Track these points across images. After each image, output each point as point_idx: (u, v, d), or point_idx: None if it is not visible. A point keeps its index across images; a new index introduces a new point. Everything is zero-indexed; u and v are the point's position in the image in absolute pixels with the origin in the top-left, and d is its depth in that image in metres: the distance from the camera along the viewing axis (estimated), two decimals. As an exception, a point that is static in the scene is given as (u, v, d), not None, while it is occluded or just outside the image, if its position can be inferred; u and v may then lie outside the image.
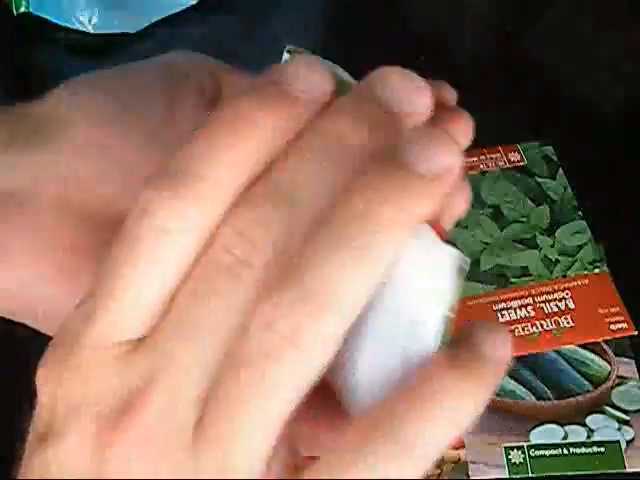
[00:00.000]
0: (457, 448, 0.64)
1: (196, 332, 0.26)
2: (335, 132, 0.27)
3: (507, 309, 0.70)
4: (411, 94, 0.28)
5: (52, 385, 0.27)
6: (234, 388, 0.26)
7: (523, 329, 0.69)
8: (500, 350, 0.27)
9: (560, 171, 0.77)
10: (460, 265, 0.28)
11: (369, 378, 0.28)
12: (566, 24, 0.86)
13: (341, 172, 0.27)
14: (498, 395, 0.66)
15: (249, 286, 0.26)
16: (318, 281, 0.26)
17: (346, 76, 0.31)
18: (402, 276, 0.27)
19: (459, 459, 0.63)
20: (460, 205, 0.34)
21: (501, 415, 0.65)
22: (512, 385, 0.66)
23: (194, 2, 0.84)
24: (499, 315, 0.70)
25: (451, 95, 0.34)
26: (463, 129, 0.33)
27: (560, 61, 0.83)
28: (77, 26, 0.83)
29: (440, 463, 0.64)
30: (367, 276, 0.26)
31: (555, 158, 0.78)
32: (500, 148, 0.78)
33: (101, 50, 0.83)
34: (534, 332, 0.69)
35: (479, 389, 0.27)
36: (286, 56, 0.32)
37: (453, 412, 0.27)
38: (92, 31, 0.83)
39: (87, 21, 0.83)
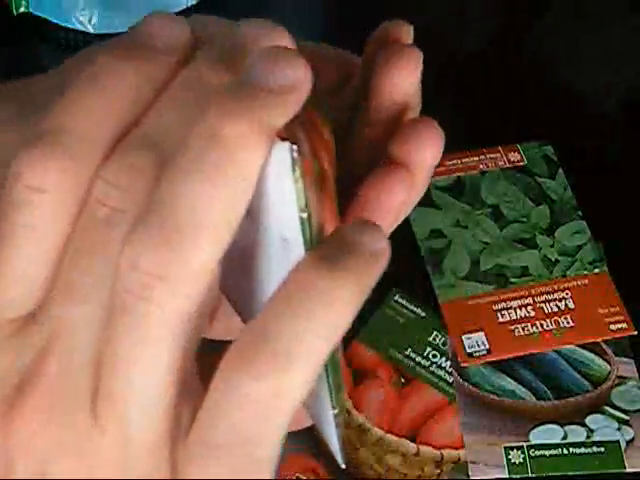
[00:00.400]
0: (457, 448, 0.63)
1: (80, 292, 0.25)
2: (195, 76, 0.27)
3: (507, 309, 0.69)
4: (263, 37, 0.28)
5: None
6: (116, 341, 0.25)
7: (523, 329, 0.68)
8: (372, 242, 0.26)
9: (560, 171, 0.77)
10: (292, 157, 0.26)
11: (260, 294, 0.28)
12: (566, 24, 0.86)
13: (201, 109, 0.26)
14: (498, 395, 0.66)
15: (122, 233, 0.25)
16: (178, 208, 0.24)
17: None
18: (264, 190, 0.26)
19: (459, 459, 0.63)
20: (431, 152, 0.32)
21: (501, 415, 0.65)
22: (512, 385, 0.66)
23: (194, 2, 0.84)
24: (499, 315, 0.69)
25: (405, 32, 0.34)
26: (412, 65, 0.32)
27: (560, 61, 0.83)
28: (77, 26, 0.82)
29: (440, 463, 0.63)
30: (229, 194, 0.25)
31: (555, 158, 0.78)
32: (500, 148, 0.78)
33: None
34: (534, 332, 0.68)
35: (350, 281, 0.25)
36: None
37: (326, 306, 0.25)
38: (92, 31, 0.82)
39: (87, 21, 0.82)
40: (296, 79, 0.26)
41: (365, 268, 0.25)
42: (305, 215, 0.26)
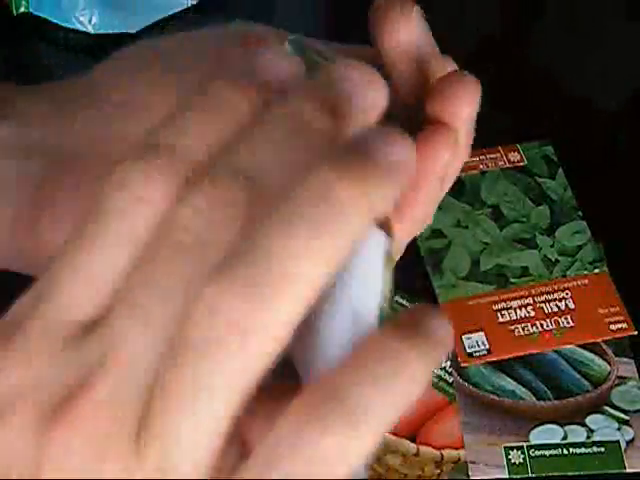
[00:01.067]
0: (457, 448, 0.63)
1: (146, 314, 0.25)
2: (297, 115, 0.27)
3: (507, 309, 0.69)
4: (367, 90, 0.28)
5: None
6: (174, 380, 0.24)
7: (523, 329, 0.68)
8: (440, 330, 0.26)
9: (560, 171, 0.77)
10: (387, 249, 0.27)
11: (324, 360, 0.27)
12: (566, 24, 0.86)
13: (302, 153, 0.26)
14: (498, 395, 0.66)
15: (204, 266, 0.24)
16: (274, 257, 0.24)
17: (329, 53, 0.31)
18: (349, 266, 0.27)
19: (459, 459, 0.63)
20: (468, 103, 0.33)
21: (501, 415, 0.65)
22: (512, 385, 0.66)
23: (194, 2, 0.84)
24: (499, 315, 0.69)
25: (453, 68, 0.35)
26: (469, 95, 0.33)
27: (560, 61, 0.83)
28: (77, 26, 0.82)
29: (440, 463, 0.63)
30: (330, 252, 0.24)
31: (555, 158, 0.78)
32: (500, 148, 0.78)
33: (101, 50, 0.79)
34: (534, 332, 0.68)
35: (425, 356, 0.25)
36: (288, 48, 0.32)
37: (403, 378, 0.25)
38: (92, 31, 0.82)
39: (87, 21, 0.82)
40: (407, 160, 0.26)
41: (436, 347, 0.26)
42: (385, 302, 0.27)
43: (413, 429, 0.64)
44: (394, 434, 0.64)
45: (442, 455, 0.63)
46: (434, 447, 0.64)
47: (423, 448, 0.64)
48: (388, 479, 0.63)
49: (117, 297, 0.25)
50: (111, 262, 0.25)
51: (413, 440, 0.64)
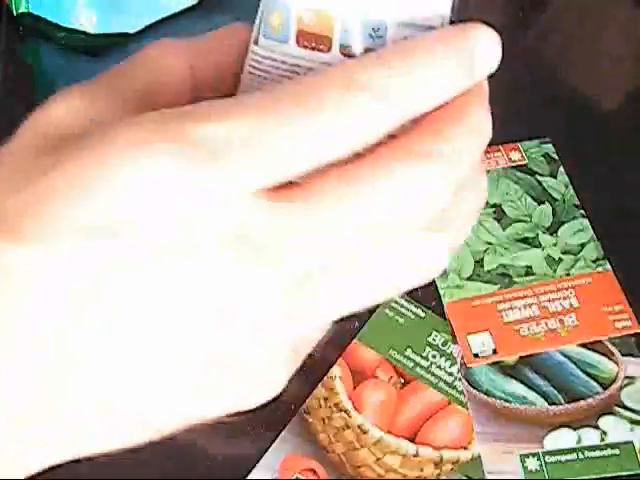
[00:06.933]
0: (456, 449, 0.62)
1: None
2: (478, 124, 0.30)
3: (511, 308, 0.68)
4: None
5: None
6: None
7: (528, 328, 0.67)
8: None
9: (561, 169, 0.76)
10: None
11: None
12: (567, 23, 0.86)
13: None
14: (510, 402, 0.64)
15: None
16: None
17: None
18: None
19: (458, 459, 0.62)
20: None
21: (514, 422, 0.63)
22: (523, 391, 0.64)
23: (194, 2, 0.83)
24: (504, 315, 0.68)
25: None
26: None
27: (560, 60, 0.83)
28: (77, 26, 0.81)
29: (439, 464, 0.62)
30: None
31: (556, 156, 0.77)
32: (501, 147, 0.77)
33: (101, 50, 0.81)
34: (539, 331, 0.67)
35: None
36: None
37: None
38: (92, 31, 0.81)
39: (87, 21, 0.81)
40: None
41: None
42: None
43: (412, 430, 0.63)
44: (394, 435, 0.62)
45: (441, 456, 0.62)
46: (433, 448, 0.62)
47: (422, 449, 0.62)
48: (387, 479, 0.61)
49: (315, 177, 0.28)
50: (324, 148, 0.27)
51: (412, 441, 0.62)
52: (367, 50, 0.29)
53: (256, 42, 0.32)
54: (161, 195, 0.26)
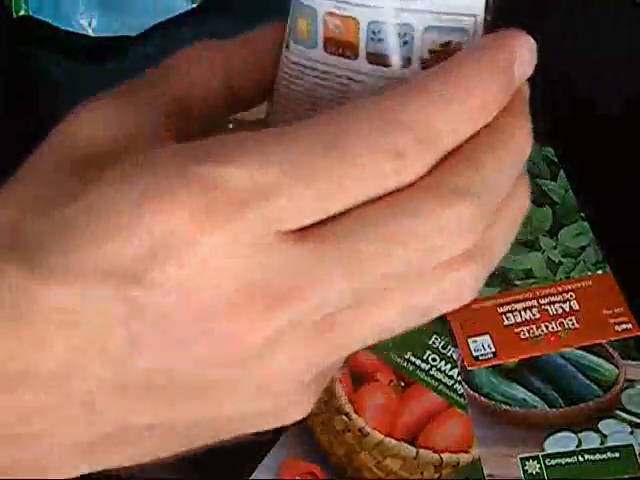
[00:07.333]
0: (456, 452, 0.62)
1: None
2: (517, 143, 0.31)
3: (511, 312, 0.68)
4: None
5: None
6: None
7: (528, 331, 0.67)
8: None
9: (561, 173, 0.76)
10: None
11: None
12: (567, 25, 0.85)
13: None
14: (510, 405, 0.64)
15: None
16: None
17: None
18: None
19: (458, 462, 0.61)
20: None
21: (514, 425, 0.63)
22: (522, 394, 0.64)
23: (194, 5, 0.82)
24: (504, 318, 0.68)
25: None
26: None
27: (560, 62, 0.82)
28: (77, 29, 0.81)
29: (439, 467, 0.62)
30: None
31: (556, 160, 0.76)
32: None
33: (101, 53, 0.81)
34: (539, 334, 0.67)
35: None
36: None
37: None
38: (92, 34, 0.81)
39: (87, 24, 0.81)
40: None
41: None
42: None
43: (413, 433, 0.63)
44: (394, 438, 0.62)
45: (442, 459, 0.62)
46: (434, 451, 0.62)
47: (423, 452, 0.62)
48: (388, 482, 0.61)
49: (331, 222, 0.27)
50: (348, 194, 0.26)
51: (413, 444, 0.62)
52: (394, 56, 0.29)
53: (287, 46, 0.31)
54: (182, 247, 0.25)
